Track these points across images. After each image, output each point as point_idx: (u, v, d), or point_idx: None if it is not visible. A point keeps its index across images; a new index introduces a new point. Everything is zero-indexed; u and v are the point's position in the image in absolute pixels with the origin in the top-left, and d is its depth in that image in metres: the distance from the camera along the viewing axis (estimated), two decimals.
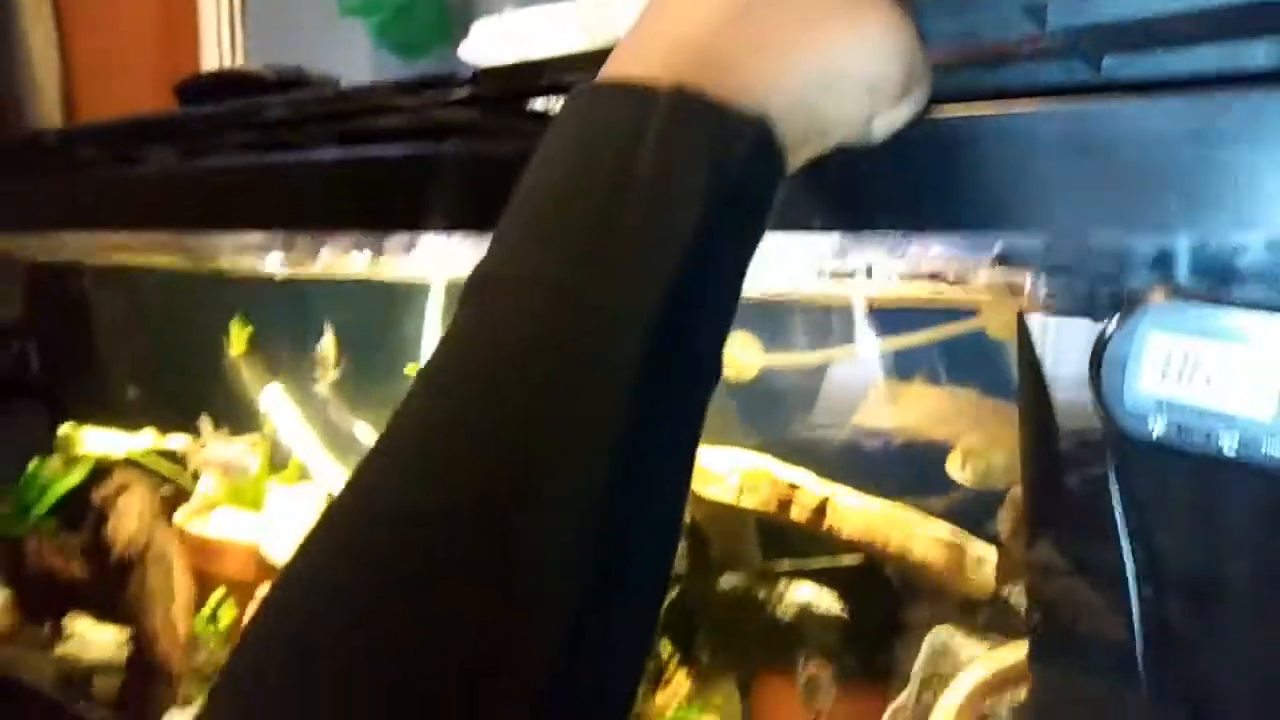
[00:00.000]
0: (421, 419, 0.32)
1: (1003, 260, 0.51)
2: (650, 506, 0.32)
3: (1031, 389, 0.53)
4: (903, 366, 0.88)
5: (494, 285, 0.33)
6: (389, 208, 0.70)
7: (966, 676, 0.64)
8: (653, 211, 0.32)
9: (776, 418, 0.94)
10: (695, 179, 0.32)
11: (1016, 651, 0.63)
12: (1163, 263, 0.45)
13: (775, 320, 0.91)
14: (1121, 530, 0.47)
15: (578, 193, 0.33)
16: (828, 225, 0.53)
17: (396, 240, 0.75)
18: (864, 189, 0.50)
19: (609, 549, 0.30)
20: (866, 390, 0.90)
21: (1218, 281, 0.43)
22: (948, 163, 0.47)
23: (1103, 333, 0.44)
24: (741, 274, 0.35)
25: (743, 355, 0.95)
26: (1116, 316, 0.44)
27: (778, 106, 0.35)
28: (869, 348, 0.87)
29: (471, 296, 0.33)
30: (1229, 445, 0.42)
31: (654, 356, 0.31)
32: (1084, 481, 0.52)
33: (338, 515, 0.31)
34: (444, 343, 0.33)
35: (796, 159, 0.37)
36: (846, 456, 0.88)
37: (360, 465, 0.32)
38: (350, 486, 0.31)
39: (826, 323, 0.89)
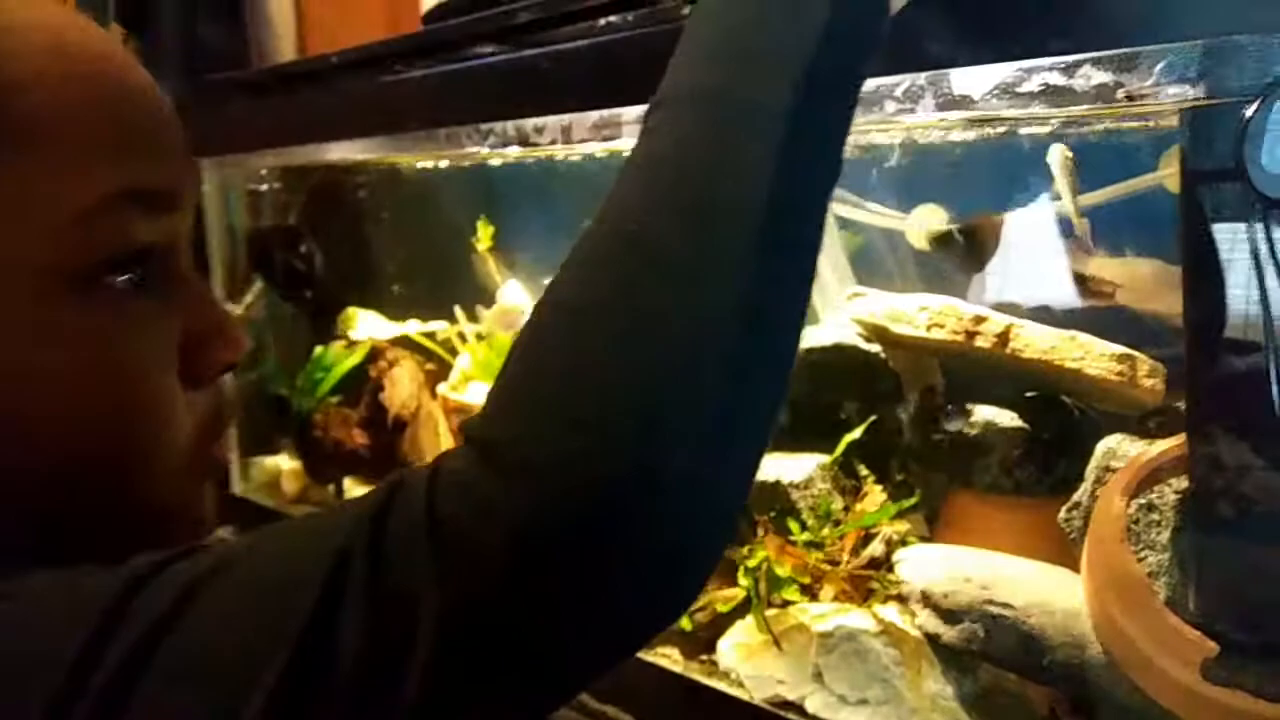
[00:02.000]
0: (624, 185, 0.40)
1: (1166, 71, 0.59)
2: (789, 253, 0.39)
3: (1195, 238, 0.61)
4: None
5: (660, 104, 0.42)
6: (632, 87, 0.84)
7: (1132, 460, 0.73)
8: (789, 15, 0.40)
9: (963, 279, 1.02)
10: None
11: (1179, 439, 0.71)
12: None
13: (961, 185, 1.00)
14: (1262, 291, 0.55)
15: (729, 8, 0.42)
16: (1003, 56, 0.63)
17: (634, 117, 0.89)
18: (1033, 18, 0.60)
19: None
20: (1048, 251, 0.97)
21: None
22: None
23: (1246, 114, 0.53)
24: (867, 59, 0.43)
25: (930, 223, 1.04)
26: (1259, 99, 0.53)
27: None
28: (1052, 209, 0.95)
29: (650, 115, 0.42)
30: None
31: (789, 142, 0.38)
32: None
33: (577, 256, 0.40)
34: (635, 146, 0.41)
35: None
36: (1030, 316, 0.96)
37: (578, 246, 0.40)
38: (569, 264, 0.39)
39: (1010, 186, 0.97)
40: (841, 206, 1.13)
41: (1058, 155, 0.83)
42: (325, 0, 1.99)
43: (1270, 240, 0.54)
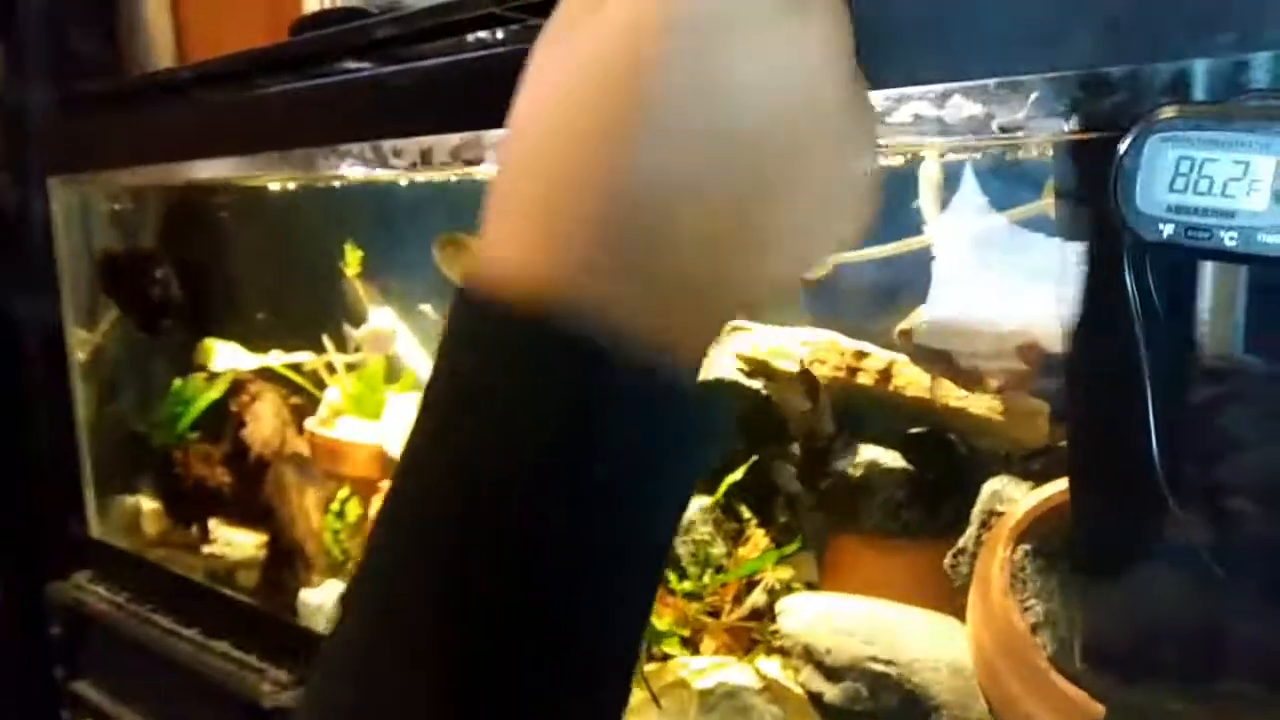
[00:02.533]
0: None
1: (1038, 102, 0.56)
2: None
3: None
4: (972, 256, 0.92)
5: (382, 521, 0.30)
6: (499, 107, 0.78)
7: (1017, 507, 0.69)
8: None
9: (850, 310, 0.99)
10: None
11: (1063, 485, 0.69)
12: (1174, 86, 0.50)
13: None
14: (1139, 333, 0.52)
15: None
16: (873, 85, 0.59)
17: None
18: (900, 47, 0.56)
19: None
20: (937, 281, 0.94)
21: (1222, 97, 0.48)
22: (976, 12, 0.53)
23: (1120, 150, 0.49)
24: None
25: None
26: (1132, 134, 0.49)
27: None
28: (936, 237, 0.92)
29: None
30: (1229, 240, 0.47)
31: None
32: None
33: None
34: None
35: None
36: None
37: None
38: None
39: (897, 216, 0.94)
40: None
41: (928, 171, 0.81)
42: (203, 7, 1.88)
43: (1145, 281, 0.50)
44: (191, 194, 1.39)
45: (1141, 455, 0.55)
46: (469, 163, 0.85)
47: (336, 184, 1.16)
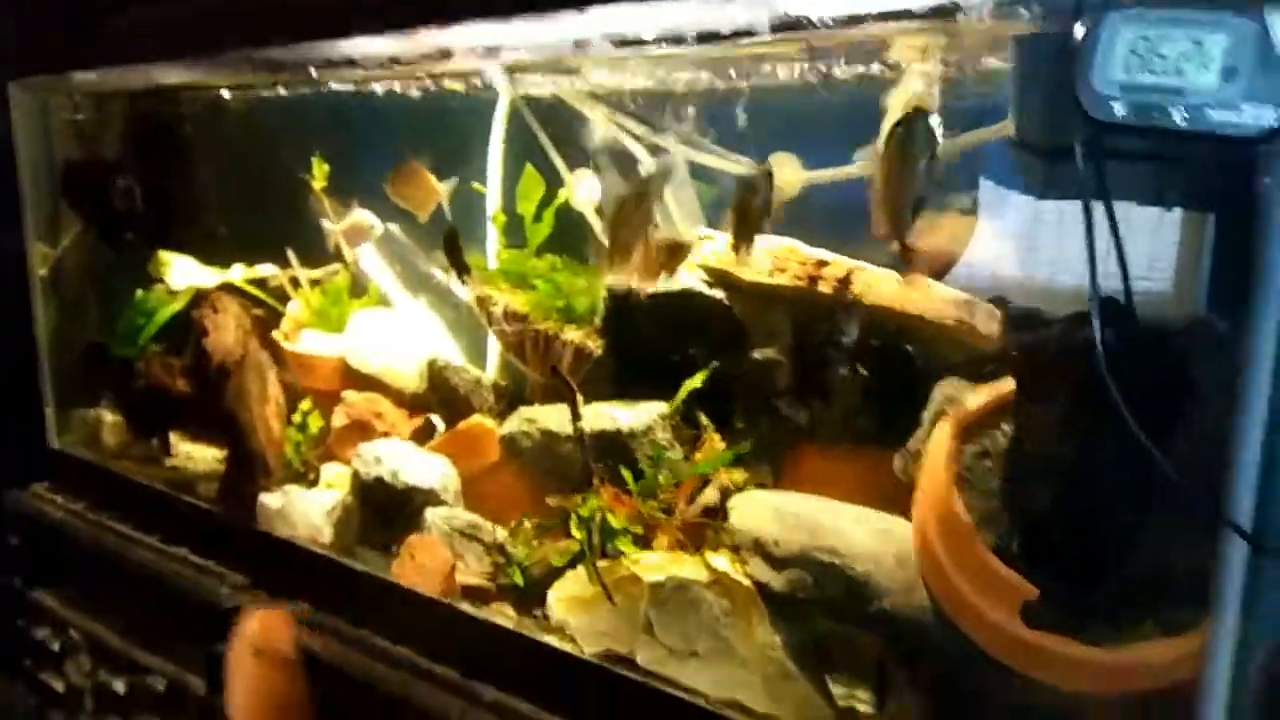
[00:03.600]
0: None
1: None
2: None
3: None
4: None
5: None
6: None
7: (967, 401, 0.71)
8: None
9: (820, 227, 0.99)
10: None
11: (1008, 383, 0.70)
12: None
13: (816, 136, 0.97)
14: (1093, 212, 0.53)
15: None
16: None
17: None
18: None
19: None
20: None
21: None
22: None
23: (1078, 29, 0.50)
24: None
25: (787, 174, 1.01)
26: (1091, 14, 0.50)
27: None
28: None
29: None
30: (1179, 117, 0.48)
31: None
32: None
33: None
34: None
35: None
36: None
37: None
38: None
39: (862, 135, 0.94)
40: (696, 154, 1.09)
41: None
42: None
43: (1101, 168, 0.52)
44: (154, 103, 1.36)
45: (1085, 352, 0.56)
46: (436, 62, 0.85)
47: (297, 92, 1.14)
